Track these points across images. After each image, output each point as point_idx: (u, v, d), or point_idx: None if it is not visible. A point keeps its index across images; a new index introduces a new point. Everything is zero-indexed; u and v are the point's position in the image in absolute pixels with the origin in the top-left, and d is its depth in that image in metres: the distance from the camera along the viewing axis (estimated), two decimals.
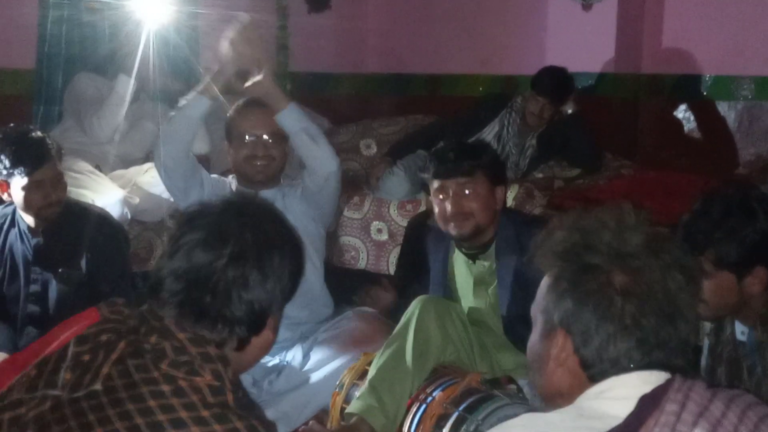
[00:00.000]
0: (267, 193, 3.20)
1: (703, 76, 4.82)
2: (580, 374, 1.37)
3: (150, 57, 4.17)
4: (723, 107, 4.79)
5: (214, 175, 3.43)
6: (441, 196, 2.90)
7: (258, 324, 1.55)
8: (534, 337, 1.46)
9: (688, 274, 1.38)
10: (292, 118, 3.16)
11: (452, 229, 2.89)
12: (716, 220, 2.20)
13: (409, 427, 2.60)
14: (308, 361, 3.10)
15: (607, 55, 4.97)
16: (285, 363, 3.17)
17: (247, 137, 3.21)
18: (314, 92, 5.61)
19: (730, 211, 2.20)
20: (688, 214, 2.28)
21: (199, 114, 3.15)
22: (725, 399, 1.26)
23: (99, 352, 1.44)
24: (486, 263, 2.96)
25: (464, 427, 2.46)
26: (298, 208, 3.23)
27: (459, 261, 3.04)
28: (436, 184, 2.91)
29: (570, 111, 4.47)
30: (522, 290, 2.72)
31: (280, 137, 3.23)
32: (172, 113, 3.22)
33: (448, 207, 2.87)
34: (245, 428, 1.38)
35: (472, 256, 2.97)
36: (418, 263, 3.37)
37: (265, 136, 3.22)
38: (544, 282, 1.44)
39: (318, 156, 3.17)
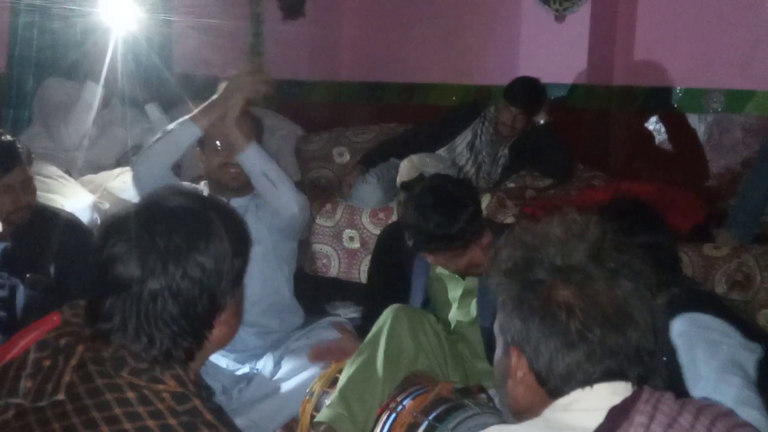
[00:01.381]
0: (239, 201, 3.17)
1: (673, 88, 4.86)
2: (539, 390, 1.37)
3: (119, 63, 4.15)
4: (693, 119, 4.83)
5: (185, 184, 3.40)
6: (441, 258, 2.86)
7: (201, 329, 1.48)
8: (497, 356, 1.48)
9: (637, 278, 1.37)
10: (251, 160, 3.07)
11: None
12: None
13: None
14: (279, 370, 3.08)
15: (580, 67, 4.99)
16: (255, 371, 3.15)
17: (219, 144, 3.14)
18: (288, 99, 5.59)
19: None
20: None
21: (188, 142, 3.07)
22: (694, 410, 1.27)
23: (59, 357, 1.40)
24: (476, 277, 2.91)
25: None
26: (270, 220, 3.19)
27: (444, 273, 3.01)
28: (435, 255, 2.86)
29: (543, 121, 4.49)
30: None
31: None
32: (157, 136, 3.11)
33: (452, 267, 2.87)
34: None
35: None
36: (392, 273, 3.36)
37: None
38: (499, 303, 1.44)
39: (279, 199, 3.09)
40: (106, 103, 4.22)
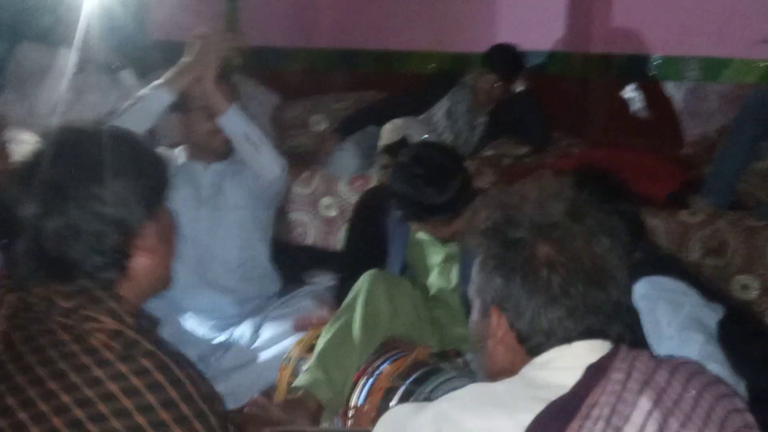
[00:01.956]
0: (217, 166, 3.16)
1: (651, 56, 4.86)
2: (519, 349, 1.39)
3: (94, 29, 4.09)
4: (670, 87, 4.83)
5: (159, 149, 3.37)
6: (423, 229, 2.88)
7: (118, 259, 1.44)
8: (473, 318, 1.49)
9: (614, 236, 1.40)
10: (232, 123, 3.07)
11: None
12: None
13: (357, 400, 2.61)
14: (258, 339, 3.08)
15: (558, 34, 4.98)
16: (233, 340, 3.15)
17: (203, 110, 3.10)
18: (264, 66, 5.54)
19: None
20: None
21: (161, 108, 3.02)
22: (669, 368, 1.28)
23: None
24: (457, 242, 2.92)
25: (412, 399, 2.47)
26: (247, 186, 3.19)
27: (424, 238, 3.01)
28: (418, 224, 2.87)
29: (521, 88, 4.49)
30: None
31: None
32: (129, 102, 3.07)
33: (439, 235, 2.87)
34: (154, 366, 1.34)
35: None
36: (369, 240, 3.36)
37: None
38: (475, 263, 1.45)
39: (261, 162, 3.11)
40: (81, 69, 4.17)
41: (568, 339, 1.35)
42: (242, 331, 3.15)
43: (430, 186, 2.69)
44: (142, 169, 1.49)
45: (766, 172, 4.02)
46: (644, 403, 1.21)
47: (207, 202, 3.18)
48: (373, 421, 2.53)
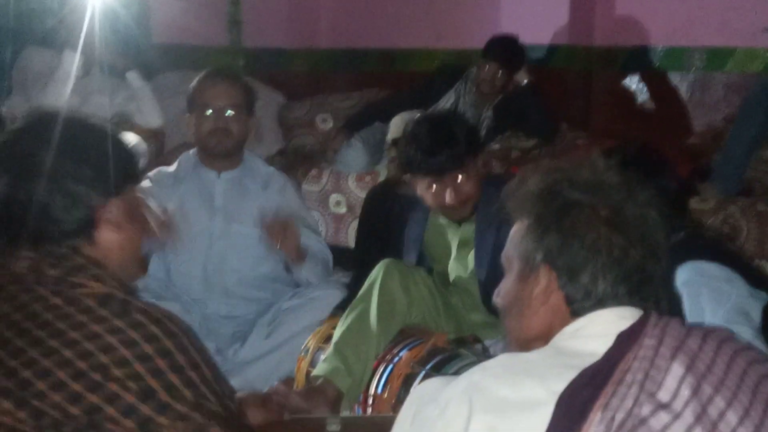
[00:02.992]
0: (229, 175, 3.16)
1: (655, 47, 4.87)
2: (564, 310, 1.37)
3: (98, 31, 4.10)
4: (675, 78, 4.84)
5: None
6: (434, 187, 2.81)
7: (86, 224, 1.50)
8: (509, 283, 1.46)
9: (659, 210, 1.40)
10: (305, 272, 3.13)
11: (450, 215, 2.89)
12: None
13: (376, 387, 2.60)
14: (273, 330, 3.07)
15: (561, 28, 4.98)
16: (250, 332, 3.12)
17: (209, 110, 3.08)
18: (268, 68, 5.56)
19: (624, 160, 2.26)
20: None
21: None
22: (701, 334, 1.27)
23: None
24: (470, 225, 2.90)
25: None
26: (260, 202, 3.13)
27: (441, 224, 2.99)
28: (425, 179, 2.82)
29: (525, 82, 4.49)
30: (499, 254, 2.70)
31: (243, 111, 3.13)
32: None
33: (446, 197, 2.79)
34: (149, 320, 1.38)
35: (458, 221, 2.95)
36: (379, 234, 3.36)
37: (229, 111, 3.08)
38: (520, 226, 1.44)
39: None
40: (86, 71, 4.18)
41: (619, 303, 1.34)
42: (259, 323, 3.12)
43: (429, 138, 2.76)
44: (105, 149, 1.55)
45: None
46: (677, 369, 1.20)
47: (220, 212, 3.16)
48: (394, 408, 2.54)
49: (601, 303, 1.35)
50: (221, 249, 3.13)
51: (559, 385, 1.21)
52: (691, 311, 2.21)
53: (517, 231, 1.45)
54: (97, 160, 1.52)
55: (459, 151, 2.76)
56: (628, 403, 1.16)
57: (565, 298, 1.37)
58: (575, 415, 1.17)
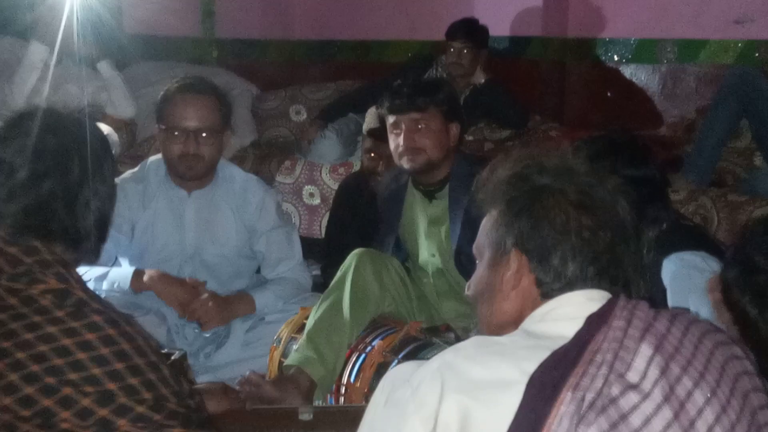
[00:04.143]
0: (200, 194, 3.01)
1: (628, 39, 4.91)
2: (534, 293, 1.39)
3: (72, 22, 4.06)
4: (648, 69, 4.89)
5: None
6: (395, 131, 2.91)
7: (104, 231, 1.55)
8: (480, 272, 1.48)
9: (627, 198, 1.42)
10: (268, 308, 3.01)
11: (405, 163, 2.91)
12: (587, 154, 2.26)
13: (349, 376, 2.60)
14: (253, 340, 2.97)
15: (535, 19, 5.02)
16: (225, 337, 3.04)
17: (176, 132, 2.87)
18: (241, 58, 5.54)
19: (600, 150, 2.26)
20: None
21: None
22: (669, 316, 1.29)
23: None
24: (442, 202, 2.96)
25: None
26: (233, 220, 3.03)
27: (415, 203, 3.03)
28: (391, 119, 2.93)
29: (482, 80, 4.50)
30: (472, 225, 2.72)
31: (217, 130, 2.91)
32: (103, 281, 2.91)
33: (401, 142, 2.88)
34: (105, 321, 1.37)
35: (429, 195, 2.97)
36: (351, 224, 3.36)
37: (202, 133, 2.88)
38: (490, 216, 1.46)
39: None
40: (58, 61, 4.15)
41: (588, 286, 1.35)
42: (237, 329, 3.01)
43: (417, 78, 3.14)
44: (112, 155, 1.62)
45: (744, 150, 4.07)
46: (645, 349, 1.21)
47: (190, 232, 3.03)
48: (366, 396, 2.54)
49: (570, 285, 1.36)
50: (193, 269, 3.02)
51: (531, 366, 1.22)
52: (674, 306, 2.21)
53: (487, 220, 1.46)
54: (112, 164, 1.59)
55: (427, 95, 2.87)
56: (598, 383, 1.17)
57: (535, 281, 1.38)
58: (546, 394, 1.17)
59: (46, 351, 1.32)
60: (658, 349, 1.21)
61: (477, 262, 1.49)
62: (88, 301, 1.39)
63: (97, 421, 1.31)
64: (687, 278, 2.22)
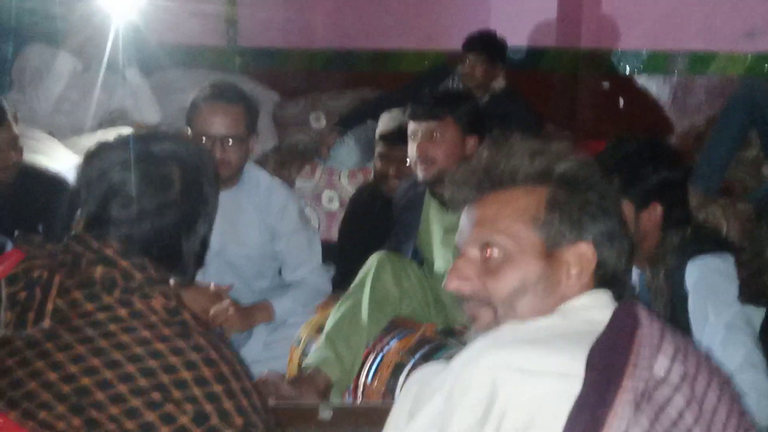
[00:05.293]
0: (225, 194, 2.97)
1: (639, 51, 4.97)
2: (588, 284, 1.38)
3: (101, 31, 4.18)
4: (658, 81, 4.95)
5: None
6: (412, 138, 2.95)
7: (203, 257, 1.62)
8: (521, 264, 1.38)
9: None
10: (286, 314, 3.05)
11: (418, 173, 2.94)
12: (626, 153, 2.31)
13: (366, 376, 2.67)
14: (273, 342, 3.03)
15: (548, 30, 5.09)
16: (247, 338, 3.06)
17: (204, 138, 2.91)
18: (263, 66, 5.64)
19: (639, 150, 2.32)
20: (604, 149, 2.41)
21: None
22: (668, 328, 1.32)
23: (35, 288, 1.43)
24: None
25: None
26: (257, 223, 3.08)
27: (431, 211, 3.06)
28: (411, 125, 2.96)
29: (500, 87, 4.56)
30: None
31: (244, 137, 2.96)
32: None
33: (414, 150, 2.92)
34: (208, 344, 1.42)
35: (445, 203, 2.98)
36: (363, 230, 3.44)
37: (229, 140, 2.91)
38: (531, 204, 1.39)
39: None
40: (87, 68, 4.26)
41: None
42: (258, 331, 3.07)
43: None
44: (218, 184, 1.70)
45: (753, 160, 4.13)
46: (667, 347, 1.20)
47: (215, 232, 3.03)
48: (383, 396, 2.62)
49: (614, 279, 1.41)
50: (217, 269, 3.04)
51: (583, 353, 1.21)
52: (695, 308, 2.26)
53: (521, 208, 1.40)
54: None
55: (446, 105, 2.89)
56: (645, 373, 1.16)
57: (593, 272, 1.39)
58: (607, 380, 1.16)
59: (155, 367, 1.36)
60: (677, 349, 1.21)
61: (488, 254, 1.38)
62: (191, 323, 1.43)
63: None
64: (709, 285, 2.24)
